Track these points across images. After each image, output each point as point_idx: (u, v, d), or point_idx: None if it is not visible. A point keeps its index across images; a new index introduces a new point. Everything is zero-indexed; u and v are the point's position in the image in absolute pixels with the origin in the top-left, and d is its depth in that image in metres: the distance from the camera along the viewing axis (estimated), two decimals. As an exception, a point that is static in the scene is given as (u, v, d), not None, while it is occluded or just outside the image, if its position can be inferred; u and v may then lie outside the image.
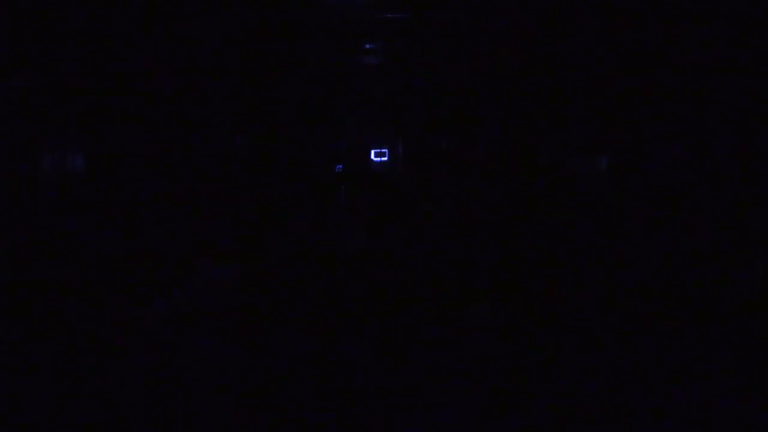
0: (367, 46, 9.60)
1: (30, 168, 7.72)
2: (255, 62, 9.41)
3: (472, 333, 7.28)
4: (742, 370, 5.33)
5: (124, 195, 8.31)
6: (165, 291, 6.47)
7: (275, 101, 9.47)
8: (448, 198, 9.22)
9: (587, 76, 8.33)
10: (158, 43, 8.62)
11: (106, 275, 7.35)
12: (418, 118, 9.71)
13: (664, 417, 4.65)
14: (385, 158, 9.69)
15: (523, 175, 8.63)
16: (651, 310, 6.60)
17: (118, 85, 8.45)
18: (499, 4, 8.63)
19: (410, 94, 9.71)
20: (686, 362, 5.52)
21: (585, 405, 4.86)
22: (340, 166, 9.26)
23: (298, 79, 9.58)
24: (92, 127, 8.24)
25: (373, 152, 9.73)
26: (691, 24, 7.16)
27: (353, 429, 4.78)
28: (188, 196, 8.82)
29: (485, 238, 8.72)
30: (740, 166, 6.86)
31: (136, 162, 8.69)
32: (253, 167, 9.26)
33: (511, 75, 8.62)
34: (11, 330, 6.16)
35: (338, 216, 8.19)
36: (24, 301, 6.50)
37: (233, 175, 9.25)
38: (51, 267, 7.20)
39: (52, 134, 8.14)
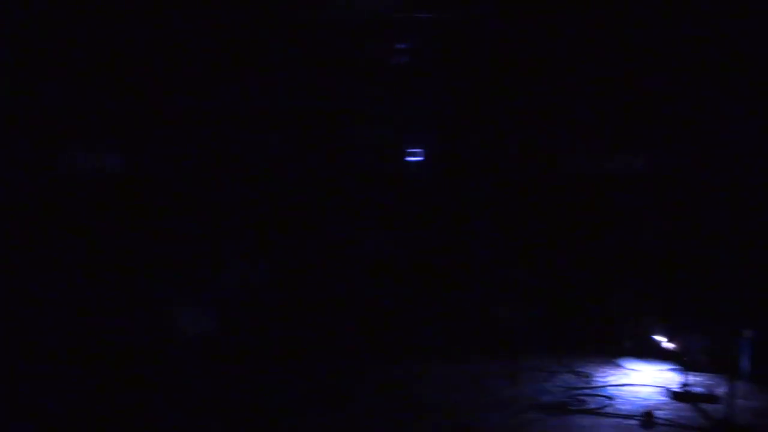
0: (402, 46, 9.52)
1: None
2: (290, 62, 9.38)
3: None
4: None
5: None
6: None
7: (310, 101, 9.42)
8: (486, 199, 9.06)
9: (632, 76, 8.13)
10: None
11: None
12: (453, 117, 9.60)
13: None
14: (421, 158, 9.57)
15: (562, 176, 8.45)
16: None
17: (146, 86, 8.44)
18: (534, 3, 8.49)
19: (446, 93, 9.62)
20: None
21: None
22: (374, 165, 9.17)
23: (333, 80, 9.53)
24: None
25: (408, 152, 9.62)
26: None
27: None
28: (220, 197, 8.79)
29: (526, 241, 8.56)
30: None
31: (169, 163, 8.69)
32: (287, 168, 9.21)
33: (547, 74, 8.45)
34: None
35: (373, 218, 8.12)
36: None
37: (267, 175, 9.19)
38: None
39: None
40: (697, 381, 5.67)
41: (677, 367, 5.91)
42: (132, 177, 8.14)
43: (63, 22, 7.77)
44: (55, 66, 7.78)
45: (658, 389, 5.62)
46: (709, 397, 5.35)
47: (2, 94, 7.43)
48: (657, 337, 6.51)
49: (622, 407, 5.24)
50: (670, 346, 6.29)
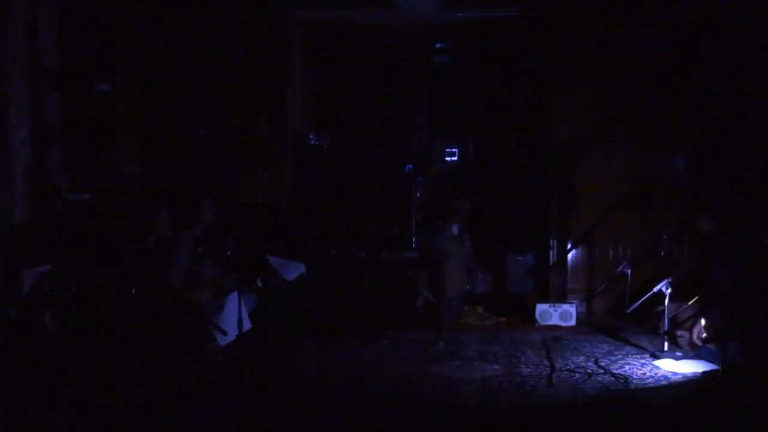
0: (438, 45, 9.55)
1: None
2: (329, 60, 9.48)
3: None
4: None
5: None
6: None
7: (347, 101, 9.51)
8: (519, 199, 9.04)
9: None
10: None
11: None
12: (489, 116, 9.61)
13: None
14: (456, 158, 9.58)
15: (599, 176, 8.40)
16: None
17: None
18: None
19: (480, 92, 9.63)
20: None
21: None
22: (410, 166, 9.19)
23: (369, 78, 9.61)
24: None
25: (446, 152, 9.62)
26: None
27: None
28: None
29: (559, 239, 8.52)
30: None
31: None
32: (322, 166, 9.28)
33: (582, 73, 8.40)
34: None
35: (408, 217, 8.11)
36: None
37: (304, 173, 9.26)
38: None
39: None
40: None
41: (717, 368, 5.83)
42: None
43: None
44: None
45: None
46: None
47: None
48: (697, 338, 6.41)
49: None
50: (712, 347, 6.19)
